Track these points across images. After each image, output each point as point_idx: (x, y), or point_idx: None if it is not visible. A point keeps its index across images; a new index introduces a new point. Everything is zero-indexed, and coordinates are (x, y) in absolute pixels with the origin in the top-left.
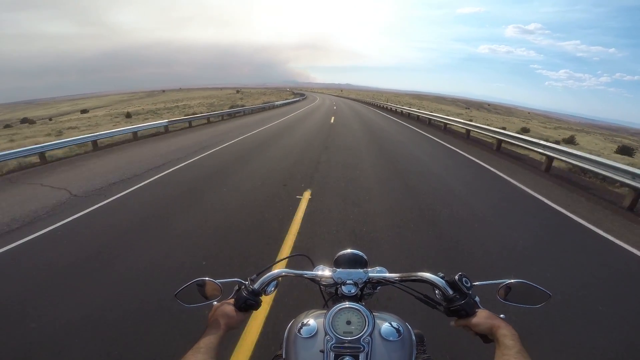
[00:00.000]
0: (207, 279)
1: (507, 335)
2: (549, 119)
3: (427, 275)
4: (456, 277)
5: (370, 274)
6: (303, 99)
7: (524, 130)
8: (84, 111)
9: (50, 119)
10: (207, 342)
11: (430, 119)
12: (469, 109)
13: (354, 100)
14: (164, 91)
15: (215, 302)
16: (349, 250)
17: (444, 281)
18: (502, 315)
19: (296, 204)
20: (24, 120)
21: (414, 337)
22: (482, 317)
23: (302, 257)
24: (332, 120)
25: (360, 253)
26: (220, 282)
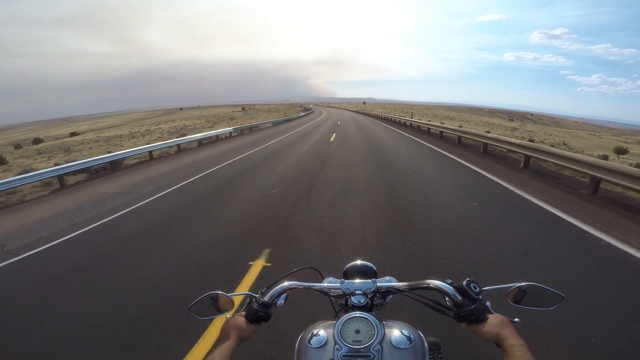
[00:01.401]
0: (219, 292)
1: (514, 346)
2: (601, 129)
3: (435, 282)
4: (464, 282)
5: (378, 284)
6: (309, 113)
7: (620, 152)
8: (73, 134)
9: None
10: (221, 352)
11: (486, 144)
12: (512, 120)
13: (377, 119)
14: (181, 109)
15: (228, 315)
16: (358, 262)
17: (452, 287)
18: (516, 319)
19: None
20: (36, 141)
21: (426, 345)
22: (491, 324)
23: (312, 269)
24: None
25: (369, 264)
26: (232, 296)
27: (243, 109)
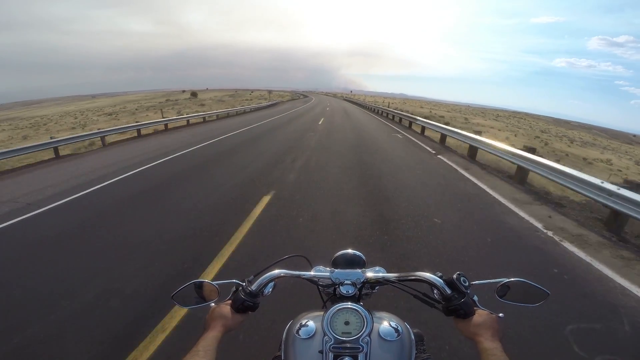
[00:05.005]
0: (204, 280)
1: (487, 350)
2: None
3: (425, 274)
4: (454, 276)
5: (368, 274)
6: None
7: None
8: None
9: None
10: (205, 344)
11: None
12: (617, 140)
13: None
14: (183, 91)
15: (213, 304)
16: (347, 251)
17: (442, 280)
18: (501, 315)
19: None
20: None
21: (413, 337)
22: (473, 323)
23: (300, 257)
24: None
25: (359, 253)
26: (217, 284)
27: (194, 94)
